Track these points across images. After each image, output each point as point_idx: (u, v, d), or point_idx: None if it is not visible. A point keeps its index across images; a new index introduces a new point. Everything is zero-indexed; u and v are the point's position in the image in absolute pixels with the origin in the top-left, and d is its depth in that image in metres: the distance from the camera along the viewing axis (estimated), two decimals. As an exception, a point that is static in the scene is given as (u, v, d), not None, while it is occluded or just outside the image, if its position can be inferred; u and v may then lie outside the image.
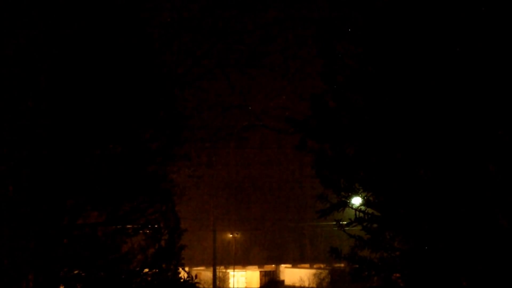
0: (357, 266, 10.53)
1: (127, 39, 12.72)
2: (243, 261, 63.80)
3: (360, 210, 10.53)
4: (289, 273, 64.29)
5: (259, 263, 65.64)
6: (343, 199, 10.62)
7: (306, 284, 60.10)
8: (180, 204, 13.34)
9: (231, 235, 63.03)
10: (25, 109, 12.03)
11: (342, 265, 47.52)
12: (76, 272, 12.29)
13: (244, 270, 64.37)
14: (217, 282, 57.80)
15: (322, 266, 61.83)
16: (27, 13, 12.15)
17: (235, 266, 61.93)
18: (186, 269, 13.21)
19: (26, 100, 12.08)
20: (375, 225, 10.50)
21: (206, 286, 52.67)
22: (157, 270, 12.56)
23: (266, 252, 64.57)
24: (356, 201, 10.66)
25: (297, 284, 61.15)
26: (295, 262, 65.63)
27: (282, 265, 65.95)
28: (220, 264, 59.02)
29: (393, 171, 10.38)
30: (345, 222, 10.65)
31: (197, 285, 13.17)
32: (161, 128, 12.96)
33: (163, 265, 12.60)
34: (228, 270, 61.47)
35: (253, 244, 64.20)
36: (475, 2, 10.12)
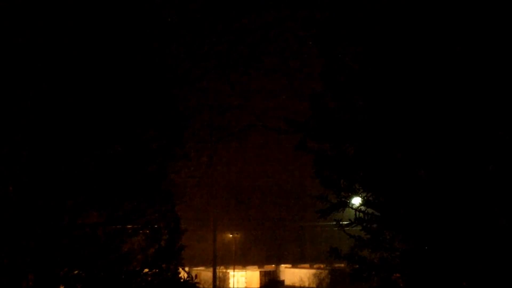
0: (357, 266, 10.54)
1: (127, 39, 12.73)
2: (243, 261, 63.73)
3: (360, 210, 10.54)
4: (289, 273, 64.22)
5: (259, 263, 65.56)
6: (343, 199, 10.63)
7: (306, 284, 60.05)
8: (180, 204, 13.34)
9: (231, 235, 62.97)
10: (25, 109, 12.03)
11: (342, 265, 47.47)
12: (76, 272, 12.29)
13: (244, 270, 64.29)
14: (217, 282, 57.77)
15: (322, 266, 61.72)
16: (27, 13, 12.15)
17: (235, 266, 61.90)
18: (186, 269, 13.21)
19: (26, 100, 12.08)
20: (375, 225, 10.51)
21: (206, 286, 52.64)
22: (157, 270, 12.56)
23: (266, 252, 64.47)
24: (356, 201, 10.67)
25: (297, 284, 61.10)
26: (295, 262, 65.53)
27: (282, 265, 65.86)
28: (220, 264, 58.97)
29: (393, 171, 10.38)
30: (345, 222, 10.66)
31: (197, 285, 13.16)
32: (161, 128, 12.96)
33: (163, 265, 12.60)
34: (228, 270, 61.43)
35: (253, 244, 64.12)
36: (475, 2, 10.13)
